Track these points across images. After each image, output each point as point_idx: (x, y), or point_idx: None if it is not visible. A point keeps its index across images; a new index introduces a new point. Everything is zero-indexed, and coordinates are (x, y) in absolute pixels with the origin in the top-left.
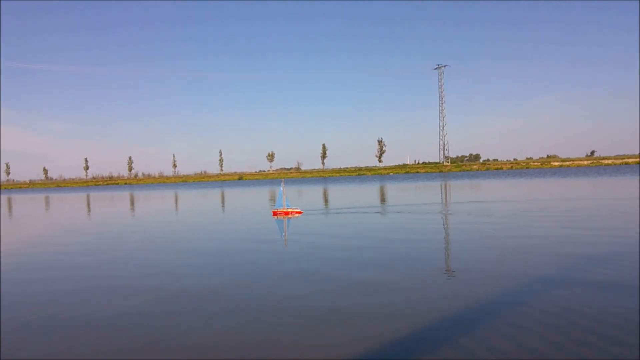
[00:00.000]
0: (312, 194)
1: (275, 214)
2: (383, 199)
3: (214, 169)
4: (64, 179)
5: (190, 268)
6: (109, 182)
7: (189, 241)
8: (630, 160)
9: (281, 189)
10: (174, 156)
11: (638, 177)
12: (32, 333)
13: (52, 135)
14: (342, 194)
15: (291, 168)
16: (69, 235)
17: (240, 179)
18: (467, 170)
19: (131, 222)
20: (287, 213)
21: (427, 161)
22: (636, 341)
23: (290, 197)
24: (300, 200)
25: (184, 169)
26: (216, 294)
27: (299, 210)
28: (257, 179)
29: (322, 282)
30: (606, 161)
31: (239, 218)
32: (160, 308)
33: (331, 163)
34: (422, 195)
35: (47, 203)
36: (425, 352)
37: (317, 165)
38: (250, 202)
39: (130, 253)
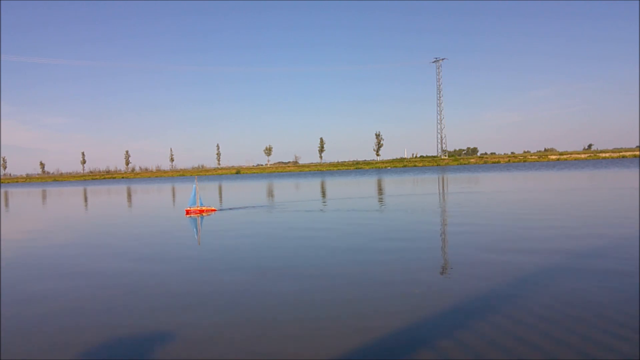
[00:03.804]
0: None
1: (188, 212)
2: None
3: (211, 163)
4: (61, 173)
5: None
6: (106, 176)
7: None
8: (628, 153)
9: (194, 186)
10: (171, 150)
11: (638, 170)
12: (29, 329)
13: (48, 130)
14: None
15: (289, 162)
16: (61, 230)
17: (238, 173)
18: (465, 164)
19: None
20: (201, 211)
21: (425, 155)
22: (636, 335)
23: (289, 191)
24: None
25: (181, 163)
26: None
27: (212, 208)
28: (254, 172)
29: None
30: (603, 154)
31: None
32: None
33: (329, 157)
34: (418, 187)
35: (44, 197)
36: (422, 347)
37: (315, 159)
38: (238, 194)
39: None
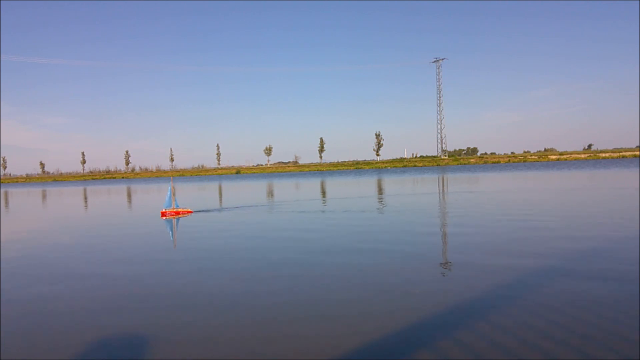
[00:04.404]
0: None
1: (163, 214)
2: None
3: (211, 163)
4: (61, 173)
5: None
6: (106, 176)
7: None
8: (628, 153)
9: (169, 187)
10: (171, 150)
11: (638, 170)
12: (29, 329)
13: (48, 130)
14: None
15: (289, 162)
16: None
17: (238, 173)
18: (464, 164)
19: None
20: (177, 213)
21: (425, 155)
22: (636, 335)
23: (286, 191)
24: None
25: (181, 163)
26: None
27: (189, 209)
28: (254, 172)
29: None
30: (603, 154)
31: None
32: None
33: (329, 157)
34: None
35: (43, 197)
36: (422, 347)
37: (315, 159)
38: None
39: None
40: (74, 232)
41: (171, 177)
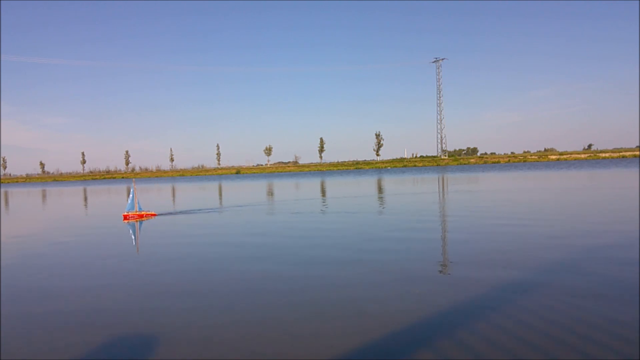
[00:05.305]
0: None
1: (126, 217)
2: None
3: (211, 163)
4: (61, 173)
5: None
6: (106, 176)
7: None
8: (628, 153)
9: (132, 189)
10: (171, 150)
11: (638, 170)
12: (30, 329)
13: (48, 130)
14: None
15: (289, 162)
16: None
17: (238, 173)
18: (464, 164)
19: None
20: (141, 216)
21: (425, 155)
22: (636, 335)
23: (283, 190)
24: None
25: (181, 163)
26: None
27: (152, 212)
28: (254, 172)
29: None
30: (603, 154)
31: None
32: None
33: (329, 157)
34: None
35: (43, 196)
36: (422, 347)
37: (315, 159)
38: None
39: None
40: (72, 232)
41: (133, 180)
